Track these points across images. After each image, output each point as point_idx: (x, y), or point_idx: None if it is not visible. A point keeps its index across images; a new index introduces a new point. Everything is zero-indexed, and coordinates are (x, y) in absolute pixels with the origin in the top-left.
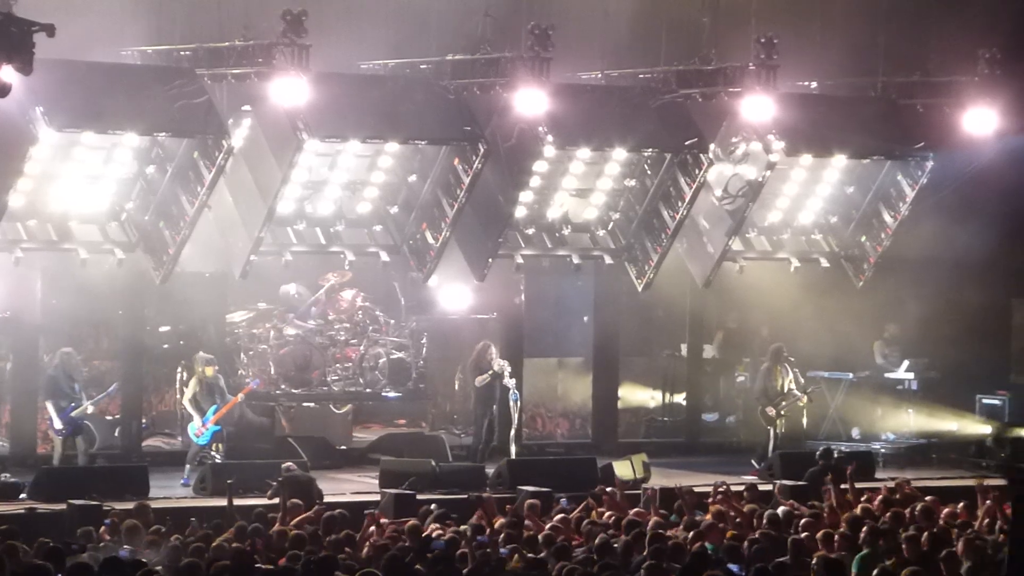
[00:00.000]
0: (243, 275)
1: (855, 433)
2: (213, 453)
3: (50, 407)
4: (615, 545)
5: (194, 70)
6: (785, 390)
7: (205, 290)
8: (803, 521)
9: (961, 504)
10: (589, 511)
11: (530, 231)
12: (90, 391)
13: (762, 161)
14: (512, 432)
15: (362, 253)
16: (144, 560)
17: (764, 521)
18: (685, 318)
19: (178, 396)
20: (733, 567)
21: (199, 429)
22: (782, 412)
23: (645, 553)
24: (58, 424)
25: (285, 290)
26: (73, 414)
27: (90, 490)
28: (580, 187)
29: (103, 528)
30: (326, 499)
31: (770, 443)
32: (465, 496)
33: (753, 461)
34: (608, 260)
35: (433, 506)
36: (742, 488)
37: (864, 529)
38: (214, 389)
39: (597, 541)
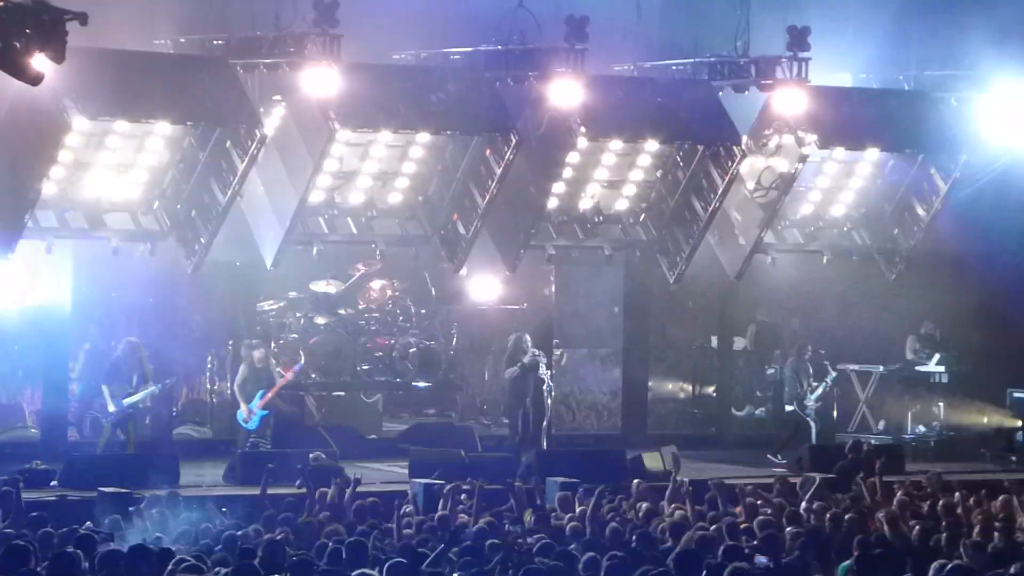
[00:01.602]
0: (274, 264)
1: (880, 426)
2: (260, 440)
3: (106, 391)
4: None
5: (226, 59)
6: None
7: (236, 279)
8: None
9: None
10: (619, 503)
11: (562, 222)
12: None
13: (794, 154)
14: (544, 423)
15: (393, 243)
16: (172, 549)
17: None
18: (716, 310)
19: (207, 385)
20: (762, 559)
21: (247, 415)
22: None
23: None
24: (111, 407)
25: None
26: (134, 397)
27: (120, 478)
28: (612, 179)
29: (133, 516)
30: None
31: (801, 436)
32: (500, 486)
33: (770, 455)
34: (639, 252)
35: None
36: (772, 480)
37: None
38: (263, 375)
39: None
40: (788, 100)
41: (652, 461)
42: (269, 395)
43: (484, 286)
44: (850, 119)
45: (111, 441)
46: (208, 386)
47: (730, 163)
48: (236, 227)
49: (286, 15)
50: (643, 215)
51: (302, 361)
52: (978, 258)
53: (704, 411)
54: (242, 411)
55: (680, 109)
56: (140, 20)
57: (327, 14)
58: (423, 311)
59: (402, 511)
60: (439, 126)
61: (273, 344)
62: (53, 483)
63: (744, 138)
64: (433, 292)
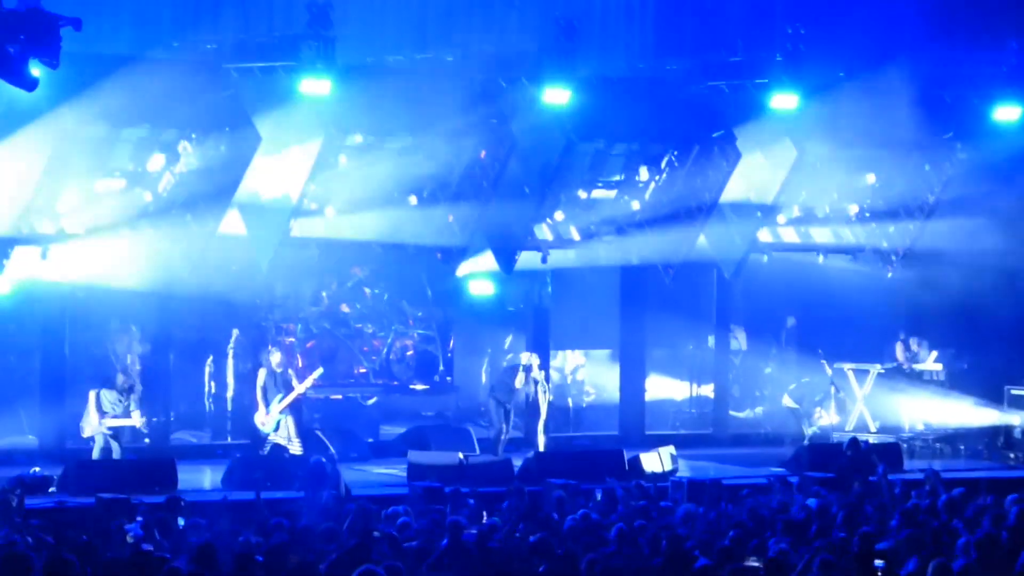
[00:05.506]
0: (270, 267)
1: (876, 425)
2: (284, 443)
3: (92, 400)
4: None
5: (220, 63)
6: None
7: (232, 283)
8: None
9: None
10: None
11: (557, 223)
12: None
13: (790, 152)
14: (540, 424)
15: (389, 245)
16: (169, 555)
17: None
18: (712, 309)
19: (205, 389)
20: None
21: (264, 419)
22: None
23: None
24: (94, 418)
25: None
26: (116, 423)
27: (119, 484)
28: (607, 179)
29: (133, 522)
30: (354, 492)
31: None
32: (502, 489)
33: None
34: (635, 251)
35: None
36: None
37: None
38: (281, 379)
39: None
40: (783, 98)
41: (651, 461)
42: (287, 400)
43: (481, 288)
44: (845, 116)
45: (105, 447)
46: (205, 390)
47: (725, 162)
48: (232, 230)
49: (280, 18)
50: (639, 215)
51: (320, 371)
52: (973, 254)
53: (701, 410)
54: (259, 414)
55: (674, 109)
56: (134, 25)
57: (321, 17)
58: (420, 313)
59: (400, 514)
60: (434, 128)
61: (271, 347)
62: (51, 489)
63: (738, 137)
64: (430, 294)
